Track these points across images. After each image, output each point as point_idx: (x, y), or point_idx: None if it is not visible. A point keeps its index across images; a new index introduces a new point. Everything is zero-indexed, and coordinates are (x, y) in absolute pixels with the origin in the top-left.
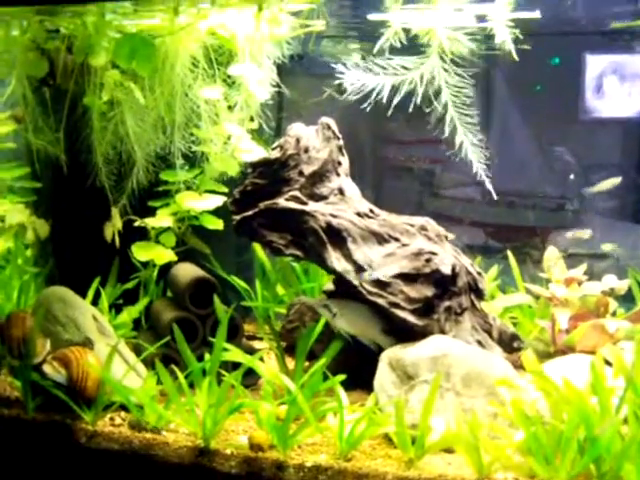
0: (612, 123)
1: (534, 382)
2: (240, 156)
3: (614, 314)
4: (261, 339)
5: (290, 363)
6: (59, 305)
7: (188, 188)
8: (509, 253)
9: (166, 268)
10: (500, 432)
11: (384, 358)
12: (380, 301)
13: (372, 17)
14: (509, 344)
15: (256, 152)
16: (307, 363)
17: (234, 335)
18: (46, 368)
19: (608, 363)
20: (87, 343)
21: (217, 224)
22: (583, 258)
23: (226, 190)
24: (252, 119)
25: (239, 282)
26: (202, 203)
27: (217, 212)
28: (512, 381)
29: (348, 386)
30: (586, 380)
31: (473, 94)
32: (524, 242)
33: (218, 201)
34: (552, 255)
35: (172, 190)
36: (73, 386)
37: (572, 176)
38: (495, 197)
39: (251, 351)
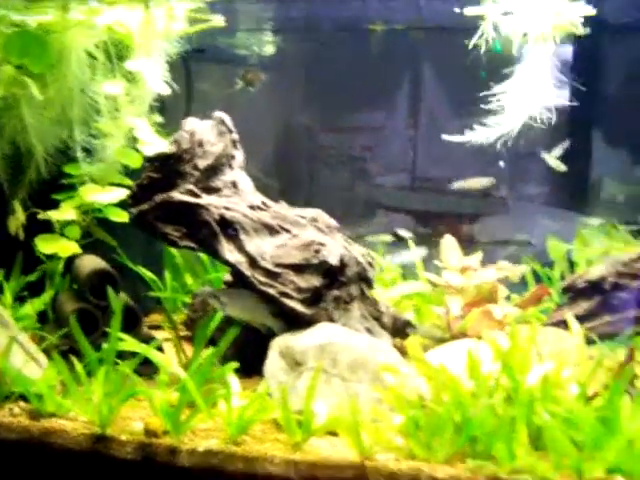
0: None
1: (417, 368)
2: (142, 149)
3: (509, 299)
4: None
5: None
6: None
7: (93, 181)
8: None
9: (73, 260)
10: (382, 416)
11: (274, 346)
12: (271, 291)
13: None
14: (402, 330)
15: (158, 145)
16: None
17: (134, 325)
18: None
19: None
20: None
21: (122, 216)
22: (505, 245)
23: (130, 182)
24: (159, 112)
25: (146, 273)
26: (105, 196)
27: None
28: (396, 367)
29: (248, 372)
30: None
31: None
32: (451, 228)
33: (121, 194)
34: (448, 243)
35: (76, 183)
36: None
37: (502, 163)
38: (423, 184)
39: (149, 340)
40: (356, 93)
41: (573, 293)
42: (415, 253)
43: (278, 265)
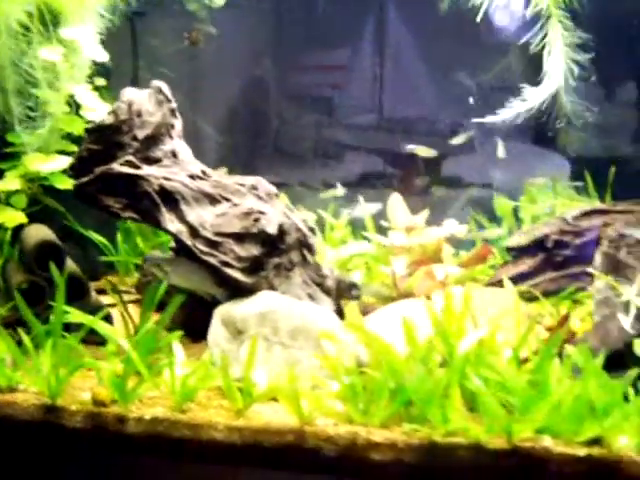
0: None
1: (355, 334)
2: (85, 115)
3: (457, 254)
4: (120, 292)
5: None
6: None
7: (37, 149)
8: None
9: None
10: (321, 383)
11: (216, 314)
12: (212, 260)
13: None
14: (348, 292)
15: (101, 110)
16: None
17: (81, 295)
18: None
19: None
20: None
21: (68, 183)
22: (468, 188)
23: (75, 149)
24: (104, 75)
25: (97, 237)
26: (49, 164)
27: None
28: (334, 334)
29: (197, 338)
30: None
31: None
32: (419, 169)
33: (65, 162)
34: (396, 201)
35: (20, 152)
36: None
37: (471, 100)
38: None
39: (98, 309)
40: (322, 31)
41: (517, 251)
42: (369, 208)
43: (219, 234)
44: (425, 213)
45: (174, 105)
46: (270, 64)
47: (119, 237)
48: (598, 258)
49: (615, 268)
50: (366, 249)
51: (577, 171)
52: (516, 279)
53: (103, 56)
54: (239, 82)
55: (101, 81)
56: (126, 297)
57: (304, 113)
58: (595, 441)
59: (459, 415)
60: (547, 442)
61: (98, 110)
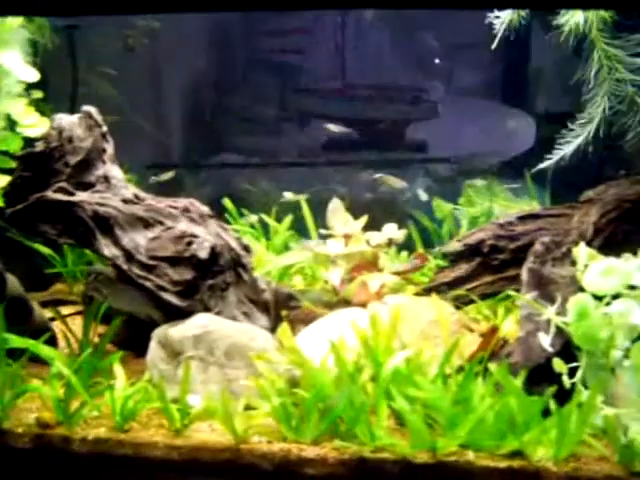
0: None
1: (288, 356)
2: (23, 132)
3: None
4: (70, 303)
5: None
6: None
7: None
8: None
9: None
10: (255, 402)
11: (154, 337)
12: (147, 284)
13: None
14: (286, 303)
15: (41, 125)
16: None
17: (25, 315)
18: None
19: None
20: None
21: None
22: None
23: (12, 164)
24: (41, 87)
25: (42, 249)
26: None
27: None
28: (267, 355)
29: (141, 353)
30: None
31: None
32: (383, 134)
33: (3, 181)
34: (335, 208)
35: None
36: None
37: (437, 60)
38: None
39: (43, 329)
40: None
41: (453, 257)
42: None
43: (153, 258)
44: (363, 219)
45: (105, 129)
46: (232, 32)
47: (65, 246)
48: (524, 274)
49: (540, 284)
50: (302, 258)
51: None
52: (453, 284)
53: (33, 76)
54: (201, 54)
55: (38, 94)
56: (72, 309)
57: (267, 80)
58: (516, 454)
59: (386, 432)
60: (470, 456)
61: (37, 126)
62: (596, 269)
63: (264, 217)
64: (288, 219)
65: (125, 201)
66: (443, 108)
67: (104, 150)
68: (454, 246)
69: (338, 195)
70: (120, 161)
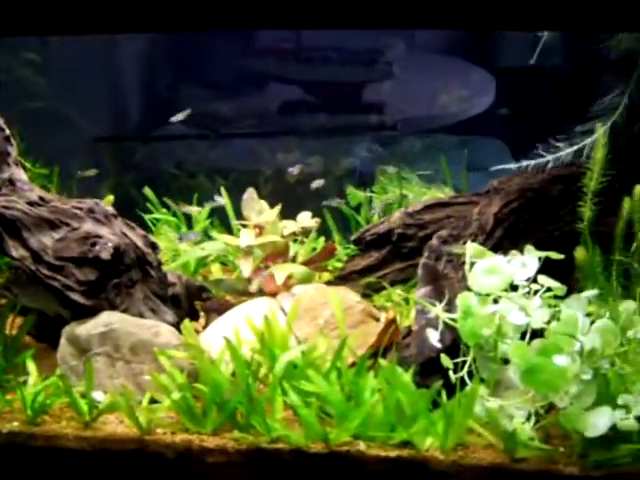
0: None
1: (188, 351)
2: None
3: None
4: None
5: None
6: None
7: None
8: None
9: None
10: (160, 396)
11: (63, 334)
12: (55, 284)
13: None
14: (198, 295)
15: None
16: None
17: None
18: None
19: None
20: None
21: None
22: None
23: None
24: None
25: None
26: None
27: None
28: (169, 351)
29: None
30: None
31: None
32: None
33: None
34: (250, 198)
35: None
36: None
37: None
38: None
39: None
40: None
41: (363, 245)
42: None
43: (59, 258)
44: (277, 208)
45: (7, 132)
46: None
47: None
48: (419, 269)
49: (435, 279)
50: (219, 249)
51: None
52: (364, 271)
53: None
54: None
55: None
56: None
57: (218, 40)
58: (405, 444)
59: (282, 424)
60: (361, 446)
61: None
62: (480, 268)
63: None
64: (207, 208)
65: (31, 203)
66: (401, 68)
67: (8, 153)
68: (363, 234)
69: (264, 176)
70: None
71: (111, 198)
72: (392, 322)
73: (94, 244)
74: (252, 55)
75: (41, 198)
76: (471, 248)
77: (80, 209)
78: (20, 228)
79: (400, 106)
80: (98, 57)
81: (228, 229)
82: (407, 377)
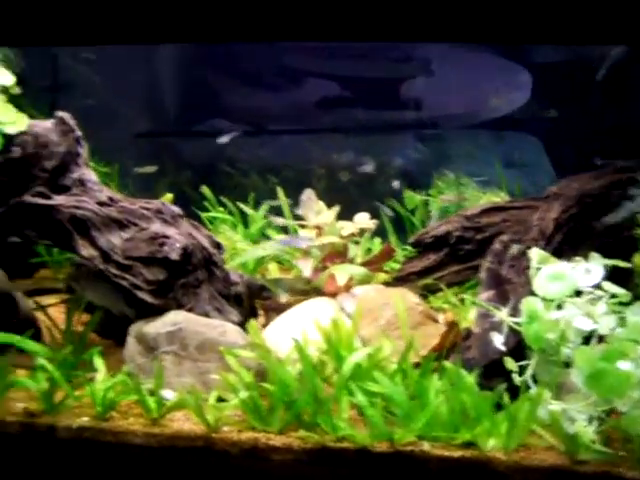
0: None
1: (255, 350)
2: (4, 129)
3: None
4: (55, 292)
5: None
6: None
7: None
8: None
9: None
10: (226, 394)
11: (131, 332)
12: (123, 283)
13: None
14: (259, 294)
15: (19, 122)
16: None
17: (12, 308)
18: None
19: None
20: None
21: None
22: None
23: None
24: (20, 84)
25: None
26: None
27: None
28: (236, 350)
29: (120, 341)
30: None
31: None
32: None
33: None
34: (308, 198)
35: None
36: None
37: None
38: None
39: (29, 321)
40: None
41: (421, 247)
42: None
43: (128, 258)
44: (335, 209)
45: (79, 134)
46: None
47: None
48: (482, 273)
49: (498, 283)
50: (279, 249)
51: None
52: (421, 273)
53: (8, 79)
54: None
55: (16, 89)
56: (56, 298)
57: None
58: (469, 444)
59: (347, 423)
60: (426, 446)
61: (15, 123)
62: (545, 273)
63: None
64: (264, 207)
65: (100, 203)
66: (440, 64)
67: (78, 154)
68: (422, 237)
69: (316, 175)
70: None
71: (170, 196)
72: (454, 325)
73: (162, 244)
74: (294, 51)
75: (110, 198)
76: (536, 254)
77: (148, 209)
78: (90, 227)
79: (439, 103)
80: (147, 54)
81: (283, 228)
82: (471, 379)
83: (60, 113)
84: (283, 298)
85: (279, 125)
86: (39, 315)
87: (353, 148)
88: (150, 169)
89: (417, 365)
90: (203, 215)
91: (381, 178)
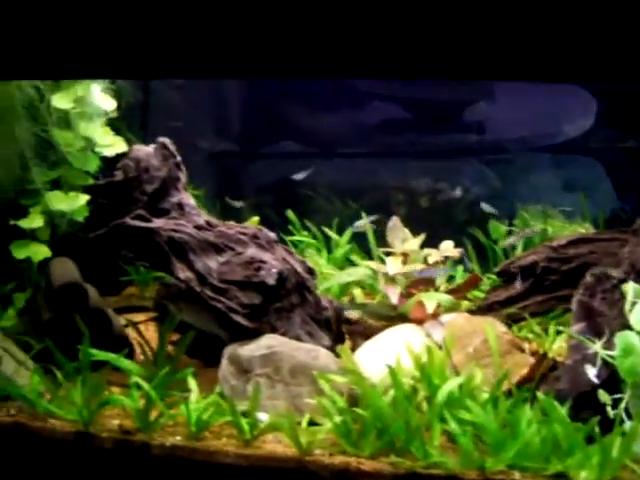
0: None
1: (348, 375)
2: (101, 151)
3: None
4: (142, 309)
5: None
6: None
7: (57, 183)
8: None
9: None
10: (317, 418)
11: (225, 354)
12: (219, 306)
13: None
14: (346, 319)
15: (118, 146)
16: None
17: (106, 325)
18: None
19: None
20: None
21: (85, 212)
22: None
23: (91, 182)
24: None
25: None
26: (68, 204)
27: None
28: (329, 375)
29: (210, 362)
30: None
31: None
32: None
33: (82, 200)
34: (394, 225)
35: (40, 188)
36: None
37: None
38: None
39: (122, 339)
40: None
41: (507, 277)
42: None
43: (224, 281)
44: (420, 237)
45: (179, 159)
46: None
47: None
48: (574, 305)
49: (589, 315)
50: (365, 274)
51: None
52: (506, 302)
53: (111, 105)
54: None
55: (113, 113)
56: (144, 315)
57: None
58: (560, 476)
59: (438, 450)
60: (516, 476)
61: (113, 146)
62: None
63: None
64: (348, 232)
65: (198, 227)
66: (502, 87)
67: (178, 179)
68: (508, 267)
69: (396, 200)
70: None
71: (256, 219)
72: (544, 356)
73: (259, 269)
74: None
75: (208, 222)
76: (631, 288)
77: (245, 234)
78: (187, 251)
79: (503, 127)
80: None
81: (366, 252)
82: (563, 410)
83: (161, 138)
84: (354, 315)
85: (345, 148)
86: (129, 332)
87: (420, 172)
88: (238, 204)
89: (508, 393)
90: (287, 238)
91: (460, 204)
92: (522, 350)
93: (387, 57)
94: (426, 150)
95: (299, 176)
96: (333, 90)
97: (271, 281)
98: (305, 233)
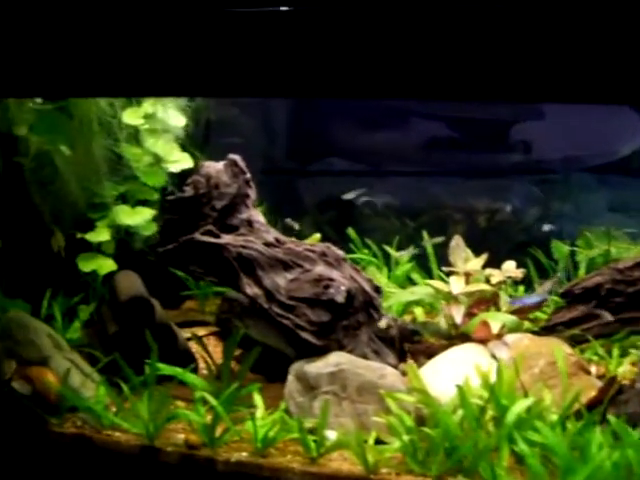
0: None
1: (416, 395)
2: (168, 167)
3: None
4: (202, 324)
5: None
6: (19, 330)
7: (123, 198)
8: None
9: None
10: (383, 436)
11: (292, 370)
12: (286, 322)
13: None
14: (410, 338)
15: (184, 162)
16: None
17: (171, 339)
18: (14, 384)
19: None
20: (44, 361)
21: (152, 228)
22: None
23: (157, 196)
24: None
25: (179, 273)
26: (134, 218)
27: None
28: (396, 394)
29: (273, 378)
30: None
31: None
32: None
33: (148, 214)
34: (457, 245)
35: (108, 202)
36: (38, 398)
37: None
38: None
39: (186, 352)
40: None
41: (571, 298)
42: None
43: (291, 298)
44: (483, 257)
45: (248, 176)
46: None
47: None
48: None
49: None
50: (428, 293)
51: None
52: (569, 324)
53: (180, 121)
54: None
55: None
56: (205, 330)
57: None
58: None
59: (506, 471)
60: None
61: (180, 162)
62: None
63: (386, 248)
64: (410, 249)
65: (267, 244)
66: (551, 106)
67: (247, 196)
68: (572, 288)
69: (453, 219)
70: None
71: (317, 236)
72: (614, 379)
73: (327, 287)
74: None
75: (276, 239)
76: None
77: (313, 252)
78: (255, 267)
79: (550, 146)
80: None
81: (426, 271)
82: (636, 434)
83: (232, 155)
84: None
85: (391, 166)
86: (191, 344)
87: (469, 191)
88: (296, 225)
89: (577, 414)
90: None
91: (517, 224)
92: (588, 372)
93: (435, 79)
94: (476, 169)
95: (349, 196)
96: (379, 107)
97: (340, 299)
98: (365, 251)
